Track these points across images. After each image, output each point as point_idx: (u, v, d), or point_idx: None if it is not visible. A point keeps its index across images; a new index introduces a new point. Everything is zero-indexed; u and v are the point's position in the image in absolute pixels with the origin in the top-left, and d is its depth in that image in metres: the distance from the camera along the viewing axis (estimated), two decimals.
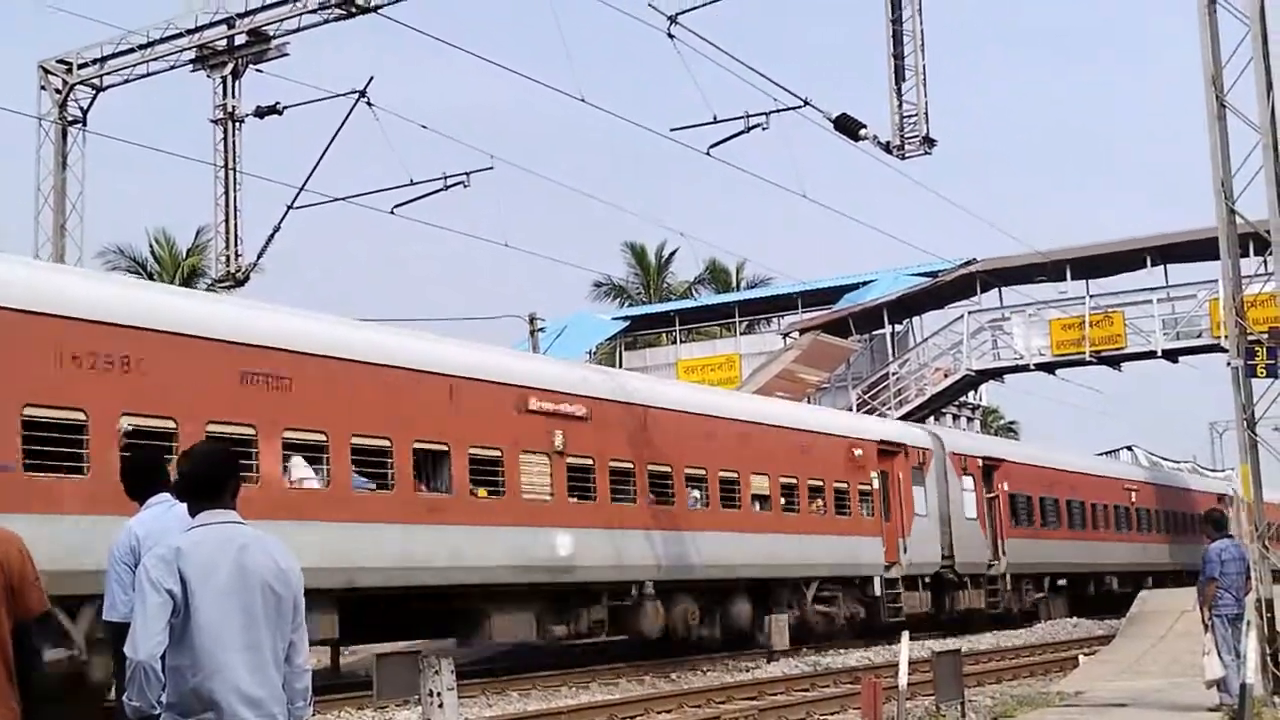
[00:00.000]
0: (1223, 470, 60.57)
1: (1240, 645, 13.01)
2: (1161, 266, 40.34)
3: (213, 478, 4.78)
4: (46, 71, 26.05)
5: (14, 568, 4.83)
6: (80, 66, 25.94)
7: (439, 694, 6.40)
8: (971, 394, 51.64)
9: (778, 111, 20.59)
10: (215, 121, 26.49)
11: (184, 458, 4.98)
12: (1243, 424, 14.15)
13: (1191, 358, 40.10)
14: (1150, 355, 39.89)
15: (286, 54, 25.57)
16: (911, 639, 21.60)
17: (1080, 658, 21.93)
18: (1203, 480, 52.76)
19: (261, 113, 26.23)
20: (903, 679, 14.12)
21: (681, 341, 50.07)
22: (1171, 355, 39.82)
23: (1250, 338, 14.32)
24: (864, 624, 27.60)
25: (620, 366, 41.29)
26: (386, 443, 17.16)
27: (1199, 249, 34.25)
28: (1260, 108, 13.41)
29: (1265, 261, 14.19)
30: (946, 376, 42.49)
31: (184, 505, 4.91)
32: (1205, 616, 13.58)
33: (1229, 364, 14.28)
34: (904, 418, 38.86)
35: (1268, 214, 13.60)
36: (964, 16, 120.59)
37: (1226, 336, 14.40)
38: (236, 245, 26.72)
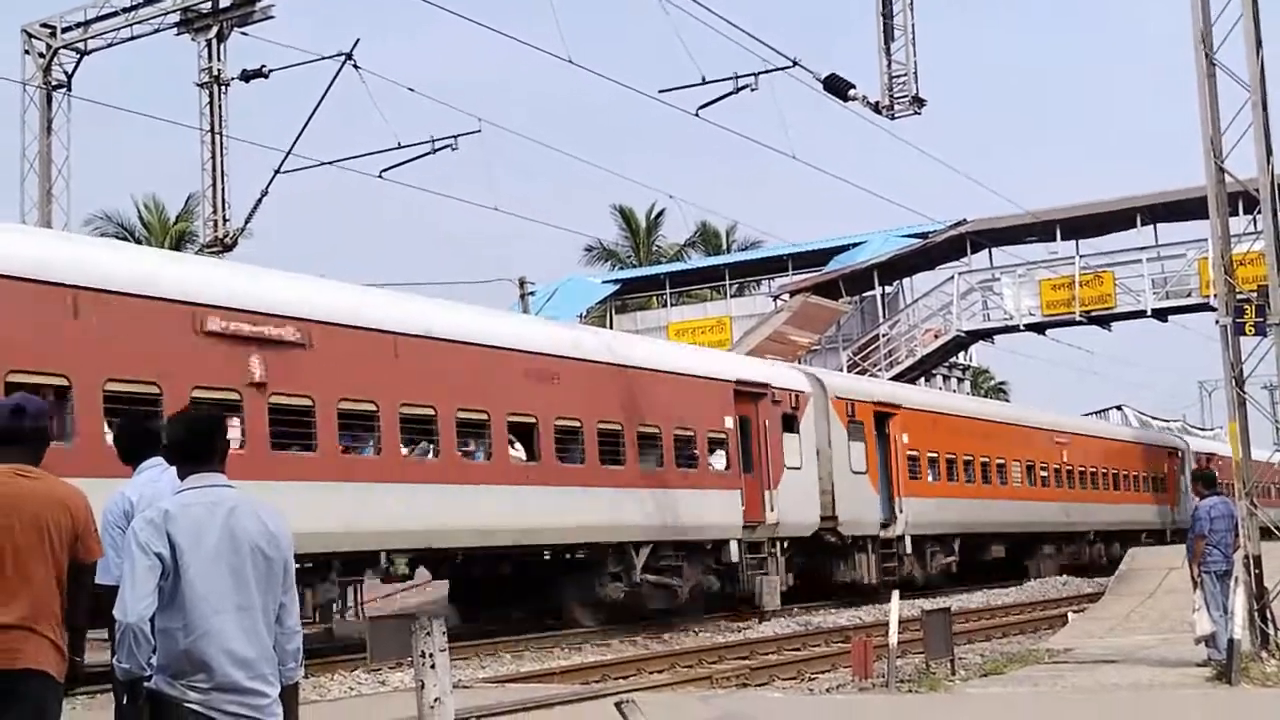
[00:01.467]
0: (1212, 429, 60.81)
1: (1229, 601, 13.12)
2: (1151, 226, 40.47)
3: (200, 441, 4.78)
4: (30, 35, 25.91)
5: (80, 518, 5.30)
6: (64, 30, 25.81)
7: (431, 655, 6.41)
8: (962, 355, 51.74)
9: (767, 72, 20.58)
10: (201, 85, 26.37)
11: (172, 422, 4.97)
12: (1231, 382, 14.20)
13: (1181, 317, 40.28)
14: (1140, 315, 40.10)
15: (272, 16, 25.45)
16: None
17: (1069, 615, 22.03)
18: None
19: (247, 76, 26.12)
20: (893, 637, 14.21)
21: (672, 304, 50.10)
22: (1161, 314, 40.01)
23: (1239, 296, 14.35)
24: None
25: (611, 328, 41.24)
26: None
27: (1188, 208, 34.28)
28: (1249, 65, 13.39)
29: (1254, 220, 14.18)
30: (937, 337, 42.65)
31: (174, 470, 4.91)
32: (1194, 573, 13.65)
33: (1218, 322, 14.32)
34: (895, 379, 38.91)
35: (1256, 172, 13.61)
36: None
37: (1216, 295, 14.43)
38: (224, 210, 26.66)
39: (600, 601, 21.20)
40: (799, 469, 25.05)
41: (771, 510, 23.95)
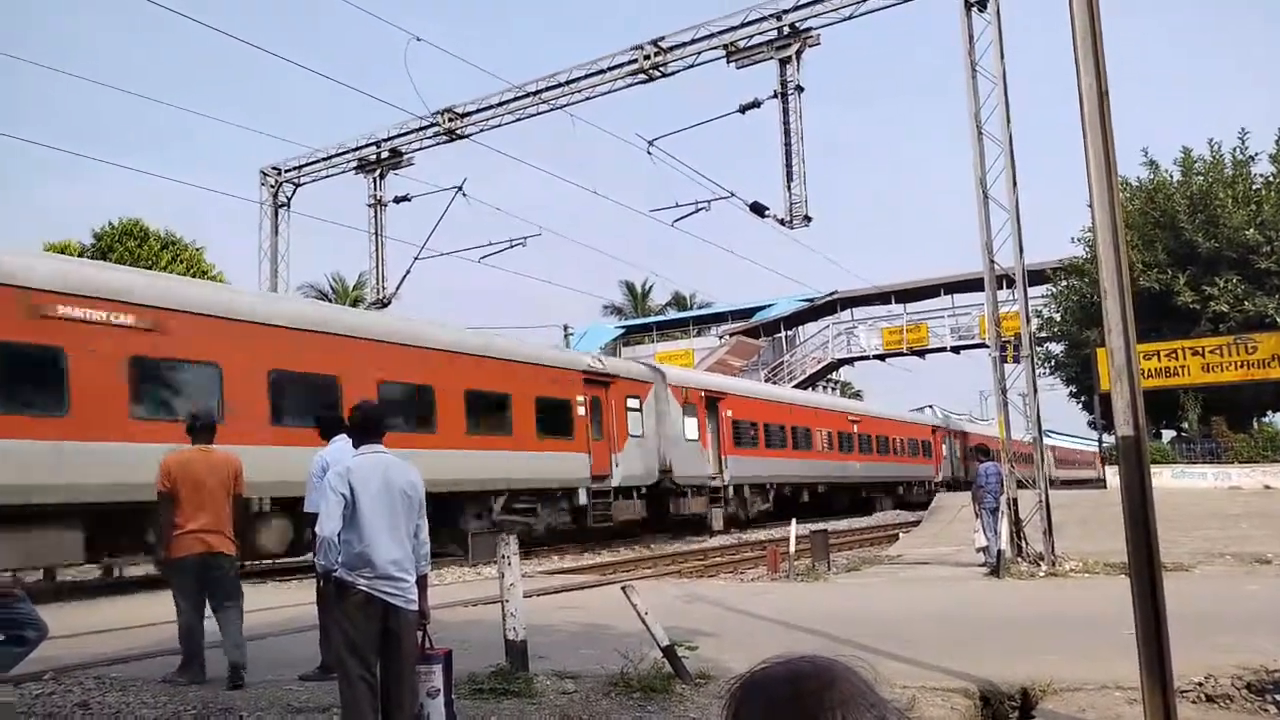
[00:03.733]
0: (987, 420, 60.62)
1: (998, 526, 13.13)
2: (950, 296, 40.49)
3: (369, 423, 4.80)
4: (264, 174, 25.98)
5: (237, 470, 6.53)
6: (286, 171, 25.85)
7: (509, 558, 6.38)
8: (835, 374, 51.70)
9: (715, 200, 20.59)
10: (369, 206, 26.44)
11: (354, 411, 5.00)
12: (999, 391, 14.22)
13: (969, 351, 40.25)
14: (943, 350, 40.07)
15: (413, 163, 25.49)
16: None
17: (900, 534, 21.97)
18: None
19: (398, 200, 26.13)
20: (792, 546, 14.18)
21: (658, 341, 50.00)
22: (956, 349, 39.99)
23: (1003, 340, 14.41)
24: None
25: (620, 356, 41.15)
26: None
27: (973, 284, 34.29)
28: (1009, 197, 13.46)
29: (1013, 292, 14.22)
30: (819, 363, 42.57)
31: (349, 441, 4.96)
32: (976, 510, 13.70)
33: (990, 355, 14.36)
34: (796, 387, 38.78)
35: (1013, 263, 13.66)
36: (833, 135, 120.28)
37: (989, 338, 14.46)
38: (382, 282, 26.70)
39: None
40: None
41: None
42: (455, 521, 17.23)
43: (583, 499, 20.24)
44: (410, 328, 17.32)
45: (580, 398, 20.53)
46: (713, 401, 25.66)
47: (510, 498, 18.36)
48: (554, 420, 19.66)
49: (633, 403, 22.38)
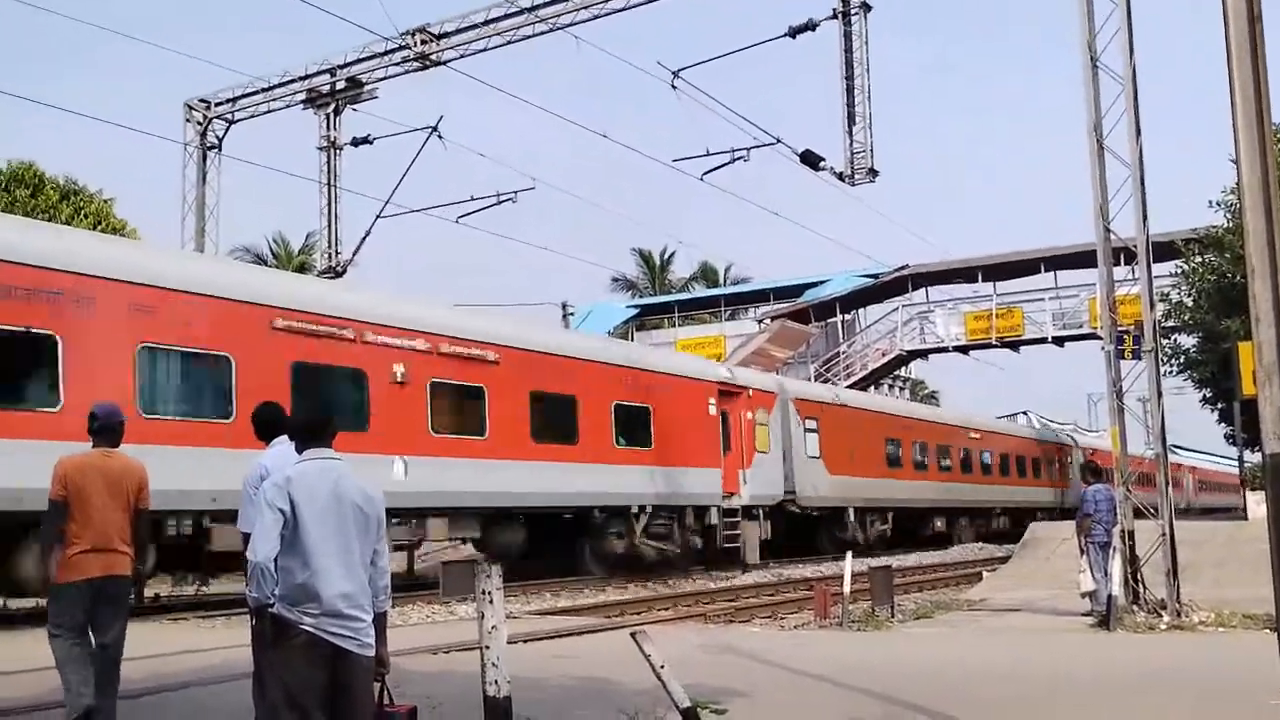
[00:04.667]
0: (1097, 430, 60.40)
1: (1108, 566, 13.08)
2: (1052, 272, 40.27)
3: (316, 426, 4.82)
4: (190, 108, 26.11)
5: (144, 480, 6.75)
6: (217, 104, 25.97)
7: (489, 592, 6.41)
8: (903, 369, 51.55)
9: (756, 147, 20.58)
10: (321, 149, 26.55)
11: (294, 413, 5.01)
12: (1113, 395, 14.14)
13: (1075, 344, 40.07)
14: (1043, 341, 39.90)
15: (376, 97, 25.63)
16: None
17: (984, 573, 21.94)
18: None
19: (356, 143, 26.27)
20: (846, 586, 14.19)
21: (680, 325, 50.01)
22: (1059, 341, 39.81)
23: (1120, 329, 14.32)
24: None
25: (632, 341, 41.20)
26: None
27: (1081, 259, 34.08)
28: (1131, 149, 13.35)
29: (1132, 270, 14.12)
30: (884, 355, 42.48)
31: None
32: (1081, 544, 13.64)
33: (1103, 349, 14.27)
34: (850, 387, 38.77)
35: (1134, 233, 13.57)
36: (904, 74, 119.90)
37: (1102, 327, 14.37)
38: (336, 245, 26.85)
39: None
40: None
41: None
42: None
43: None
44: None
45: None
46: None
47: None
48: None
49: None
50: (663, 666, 6.36)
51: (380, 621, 4.68)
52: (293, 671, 4.43)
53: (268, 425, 6.97)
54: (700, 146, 20.98)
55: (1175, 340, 31.16)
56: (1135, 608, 13.15)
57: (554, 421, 19.08)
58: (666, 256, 59.05)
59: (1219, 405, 32.04)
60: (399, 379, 16.25)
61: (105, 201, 31.17)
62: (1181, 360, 31.15)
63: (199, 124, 25.97)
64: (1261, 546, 4.72)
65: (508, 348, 18.30)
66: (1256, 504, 23.35)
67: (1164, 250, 26.52)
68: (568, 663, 9.63)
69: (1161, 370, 14.25)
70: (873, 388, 43.34)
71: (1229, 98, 4.69)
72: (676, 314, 50.41)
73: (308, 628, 4.42)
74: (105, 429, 6.76)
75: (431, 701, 7.22)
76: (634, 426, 20.90)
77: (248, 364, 14.28)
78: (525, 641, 10.90)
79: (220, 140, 26.17)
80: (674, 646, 9.71)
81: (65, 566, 6.43)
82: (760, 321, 45.85)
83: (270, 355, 14.61)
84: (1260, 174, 4.63)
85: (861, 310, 45.89)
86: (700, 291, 55.66)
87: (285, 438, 6.35)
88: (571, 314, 43.47)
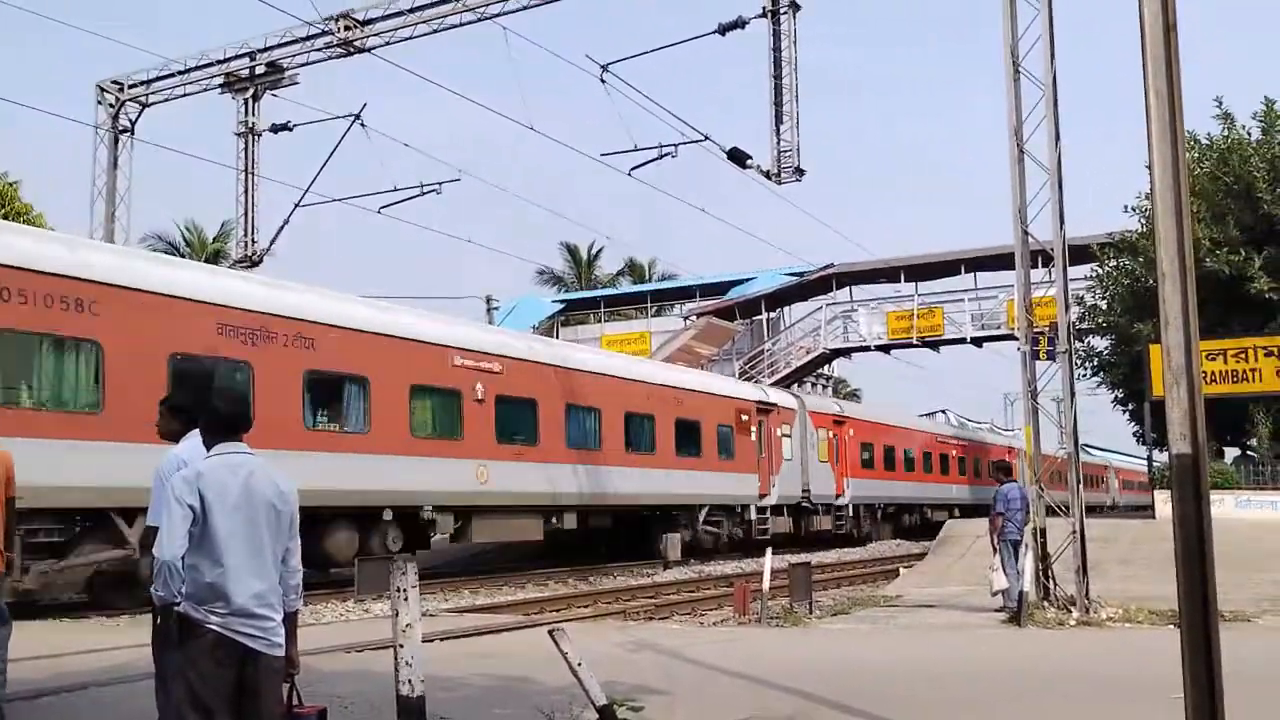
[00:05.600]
0: (1011, 429, 61.70)
1: (1020, 563, 13.34)
2: (973, 274, 41.00)
3: (229, 418, 4.71)
4: (102, 89, 25.37)
5: (9, 468, 6.60)
6: (130, 86, 25.28)
7: (405, 590, 6.33)
8: (826, 367, 52.12)
9: (685, 144, 20.58)
10: (238, 135, 25.98)
11: (205, 398, 4.89)
12: (1028, 395, 14.44)
13: (992, 344, 40.86)
14: (962, 341, 40.58)
15: (297, 83, 25.13)
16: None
17: (900, 570, 22.26)
18: (995, 436, 52.28)
19: (275, 129, 25.75)
20: (766, 583, 14.30)
21: (606, 320, 49.97)
22: (978, 341, 40.50)
23: (1036, 330, 14.62)
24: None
25: (557, 338, 41.07)
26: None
27: (1000, 261, 34.77)
28: (1050, 154, 13.64)
29: (1049, 272, 14.44)
30: (808, 353, 42.87)
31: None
32: (994, 541, 13.88)
33: (1019, 349, 14.55)
34: (774, 384, 39.11)
35: (1051, 236, 13.86)
36: (831, 73, 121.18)
37: (1018, 328, 14.65)
38: (253, 234, 26.30)
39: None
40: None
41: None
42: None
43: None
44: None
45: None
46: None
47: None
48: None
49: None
50: (580, 664, 6.34)
51: (291, 621, 4.59)
52: (199, 672, 4.32)
53: (187, 415, 6.80)
54: (629, 142, 20.93)
55: (1089, 343, 31.91)
56: (1046, 604, 13.43)
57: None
58: (595, 252, 58.90)
59: (1130, 406, 32.89)
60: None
61: (11, 185, 30.20)
62: (1095, 362, 31.88)
63: (111, 106, 25.24)
64: (1167, 545, 4.85)
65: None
66: (1164, 503, 24.05)
67: (1080, 254, 27.08)
68: (485, 661, 9.56)
69: (1075, 371, 14.57)
70: (794, 384, 43.76)
71: (1143, 105, 4.80)
72: (603, 309, 50.36)
73: (215, 627, 4.32)
74: None
75: (343, 702, 7.12)
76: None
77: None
78: (442, 640, 10.80)
79: (133, 124, 25.46)
80: (593, 644, 9.70)
81: None
82: (686, 318, 46.01)
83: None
84: (1172, 180, 4.75)
85: (786, 308, 46.25)
86: (627, 287, 55.66)
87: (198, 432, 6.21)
88: (496, 308, 43.22)
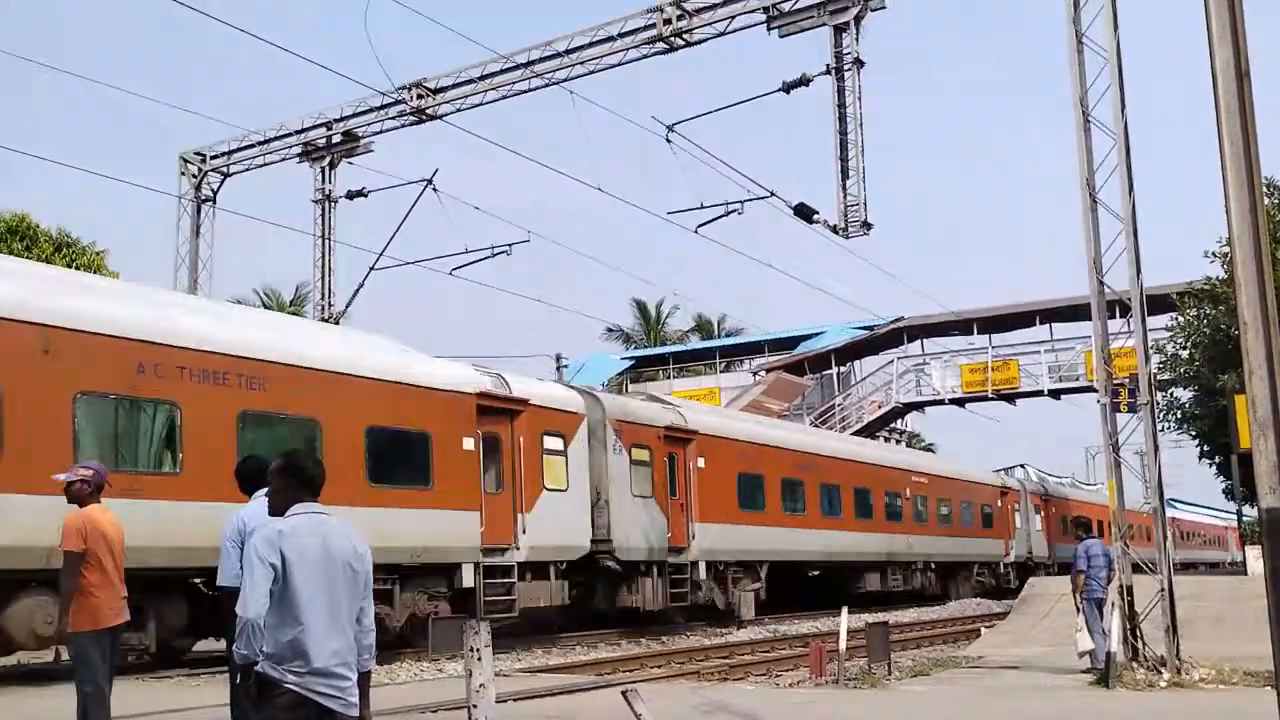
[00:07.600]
0: (1095, 484, 60.27)
1: (1105, 623, 12.99)
2: (1048, 325, 40.45)
3: (309, 478, 4.79)
4: (185, 161, 26.31)
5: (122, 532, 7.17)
6: (213, 157, 26.18)
7: (478, 650, 6.35)
8: (899, 422, 51.56)
9: (750, 200, 20.70)
10: (316, 201, 26.71)
11: (282, 460, 4.95)
12: (1109, 448, 14.13)
13: (1071, 396, 40.12)
14: (1039, 394, 39.95)
15: (372, 150, 25.83)
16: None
17: (982, 629, 21.78)
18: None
19: (351, 195, 26.44)
20: (842, 644, 14.06)
21: (675, 377, 50.04)
22: (1055, 394, 39.88)
23: (1115, 381, 14.34)
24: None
25: (625, 394, 41.16)
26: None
27: (1076, 312, 34.34)
28: (1123, 203, 13.47)
29: (1127, 322, 14.19)
30: (880, 408, 42.50)
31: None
32: (1077, 600, 13.55)
33: (1099, 401, 14.28)
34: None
35: (1128, 286, 13.64)
36: (896, 131, 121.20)
37: (1097, 380, 14.39)
38: (329, 297, 26.90)
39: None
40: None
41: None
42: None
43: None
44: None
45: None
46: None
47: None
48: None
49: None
50: None
51: (364, 681, 4.62)
52: None
53: (251, 476, 6.94)
54: (695, 200, 21.08)
55: (1172, 393, 31.17)
56: (1134, 664, 13.03)
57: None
58: (663, 310, 59.20)
59: (1216, 459, 31.99)
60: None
61: (98, 254, 31.29)
62: (1179, 414, 31.12)
63: (194, 176, 26.15)
64: (1261, 603, 4.70)
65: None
66: (1255, 559, 23.25)
67: (1159, 303, 26.59)
68: None
69: (1157, 423, 14.24)
70: (870, 439, 43.30)
71: (1218, 152, 4.74)
72: (671, 365, 50.47)
73: (293, 686, 4.36)
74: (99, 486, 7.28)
75: None
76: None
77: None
78: (515, 700, 10.76)
79: (215, 194, 26.34)
80: (667, 705, 9.61)
81: (93, 614, 7.00)
82: (755, 374, 45.93)
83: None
84: (1250, 227, 4.67)
85: (856, 362, 45.97)
86: (696, 343, 55.74)
87: (264, 491, 6.31)
88: (566, 366, 43.52)
